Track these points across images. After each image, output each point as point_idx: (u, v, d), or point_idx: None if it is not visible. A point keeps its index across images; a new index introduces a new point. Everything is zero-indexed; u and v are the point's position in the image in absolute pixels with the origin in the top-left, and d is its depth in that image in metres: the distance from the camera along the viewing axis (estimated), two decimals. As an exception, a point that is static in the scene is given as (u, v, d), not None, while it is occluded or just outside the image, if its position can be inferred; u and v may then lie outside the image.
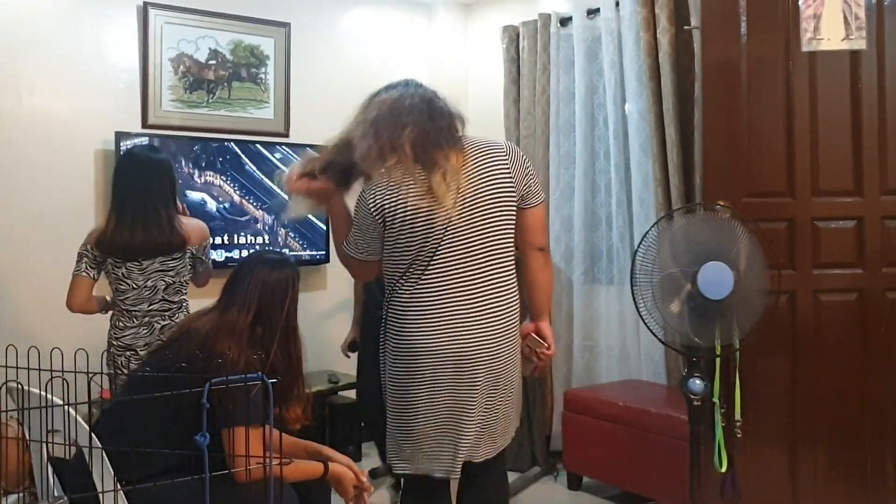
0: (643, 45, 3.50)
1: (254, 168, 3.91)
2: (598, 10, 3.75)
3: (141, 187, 2.63)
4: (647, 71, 3.49)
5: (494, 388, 1.99)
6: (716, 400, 2.36)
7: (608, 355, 3.75)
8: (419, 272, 1.95)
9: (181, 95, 3.78)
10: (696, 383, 2.29)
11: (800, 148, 2.59)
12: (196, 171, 3.74)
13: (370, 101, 2.06)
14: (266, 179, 3.92)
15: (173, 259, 2.66)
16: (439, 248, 1.93)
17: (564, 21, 3.95)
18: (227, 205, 3.84)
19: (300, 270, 2.21)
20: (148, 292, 2.64)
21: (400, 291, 1.98)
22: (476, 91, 4.54)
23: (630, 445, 3.10)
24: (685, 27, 3.35)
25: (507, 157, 2.02)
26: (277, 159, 3.97)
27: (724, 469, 2.39)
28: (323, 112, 4.12)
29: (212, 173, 3.79)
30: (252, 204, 3.92)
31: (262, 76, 4.02)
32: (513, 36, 4.20)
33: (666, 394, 3.32)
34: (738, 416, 2.39)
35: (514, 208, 2.02)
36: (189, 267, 2.73)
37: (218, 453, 1.73)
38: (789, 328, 2.58)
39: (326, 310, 4.18)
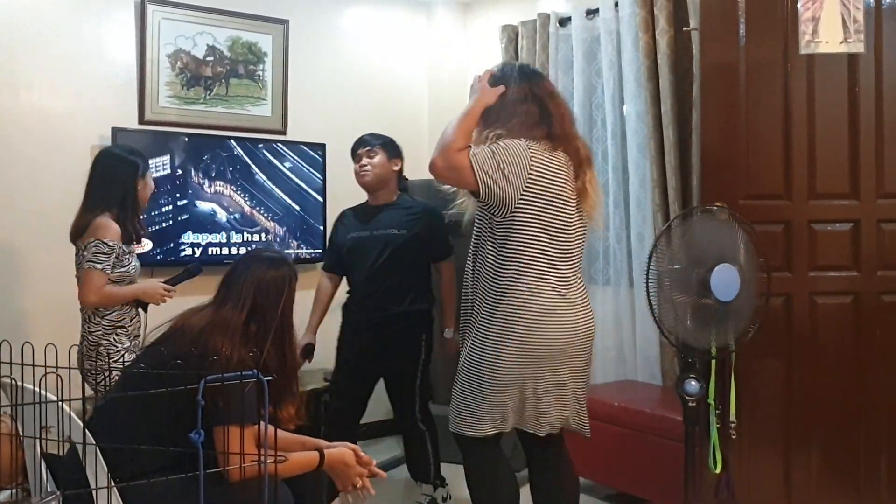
0: (642, 47, 3.50)
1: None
2: (597, 10, 3.75)
3: (96, 179, 2.67)
4: (645, 72, 3.49)
5: (586, 368, 2.27)
6: (711, 401, 2.36)
7: (604, 356, 3.75)
8: (553, 257, 2.16)
9: (178, 92, 3.77)
10: (692, 384, 2.30)
11: (797, 151, 2.60)
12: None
13: (523, 77, 2.25)
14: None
15: (77, 252, 2.64)
16: (573, 239, 2.19)
17: (563, 21, 3.95)
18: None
19: (297, 269, 2.20)
20: (75, 280, 2.68)
21: (529, 273, 2.14)
22: (474, 90, 4.54)
23: (625, 446, 3.10)
24: (684, 29, 3.35)
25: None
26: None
27: (718, 470, 2.40)
28: (321, 110, 4.12)
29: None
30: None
31: (260, 73, 4.01)
32: (511, 35, 4.19)
33: (661, 395, 3.32)
34: (732, 417, 2.39)
35: None
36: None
37: (212, 451, 1.73)
38: (785, 330, 2.59)
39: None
